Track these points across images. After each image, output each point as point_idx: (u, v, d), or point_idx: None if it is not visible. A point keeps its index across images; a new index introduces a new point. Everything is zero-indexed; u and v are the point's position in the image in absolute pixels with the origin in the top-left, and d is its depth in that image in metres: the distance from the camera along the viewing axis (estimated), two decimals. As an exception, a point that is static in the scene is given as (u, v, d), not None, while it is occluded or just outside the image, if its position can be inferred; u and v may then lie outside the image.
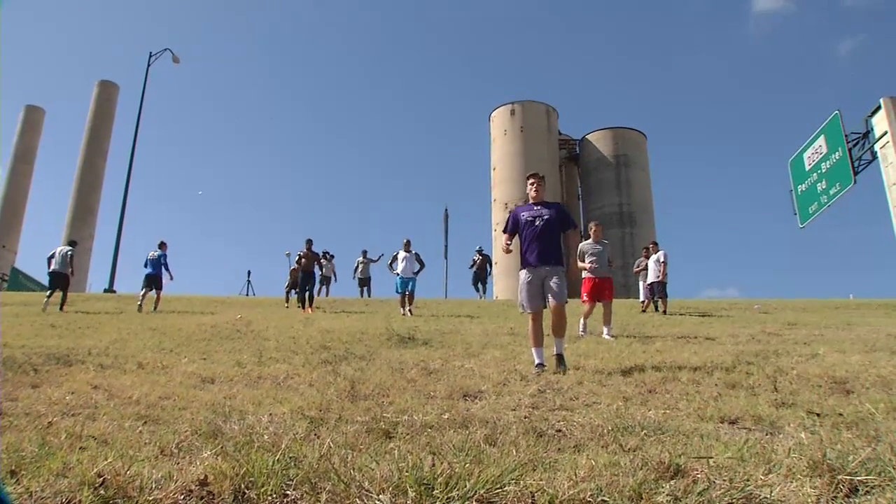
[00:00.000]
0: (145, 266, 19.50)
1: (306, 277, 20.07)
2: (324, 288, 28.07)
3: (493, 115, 62.49)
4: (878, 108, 22.66)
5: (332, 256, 29.76)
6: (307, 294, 19.80)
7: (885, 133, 22.05)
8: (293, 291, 22.84)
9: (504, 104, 61.88)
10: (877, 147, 22.74)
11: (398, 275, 18.63)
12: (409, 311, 17.81)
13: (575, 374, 6.76)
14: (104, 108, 57.12)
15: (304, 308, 19.45)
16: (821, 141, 25.50)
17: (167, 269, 19.58)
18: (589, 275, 12.91)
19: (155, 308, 18.66)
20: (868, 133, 23.46)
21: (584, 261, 12.97)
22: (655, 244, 20.36)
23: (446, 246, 47.52)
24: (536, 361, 7.31)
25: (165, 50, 37.59)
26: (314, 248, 20.88)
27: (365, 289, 28.06)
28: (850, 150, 23.84)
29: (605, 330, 12.06)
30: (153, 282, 19.21)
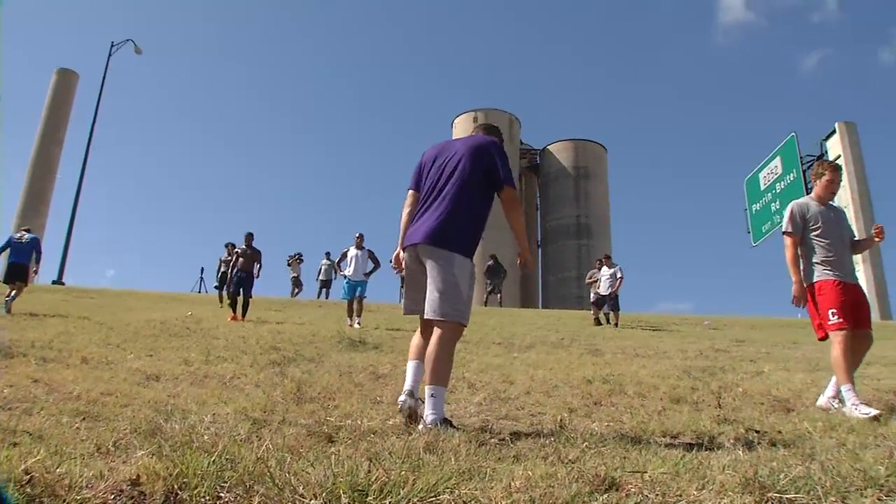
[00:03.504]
0: (8, 251, 15.20)
1: (242, 279, 16.15)
2: (324, 291, 28.01)
3: (455, 121, 62.62)
4: (833, 131, 23.16)
5: (302, 260, 29.66)
6: (241, 298, 15.93)
7: (839, 157, 22.54)
8: (226, 289, 18.90)
9: (467, 111, 62.07)
10: (830, 171, 23.20)
11: (345, 276, 16.14)
12: (357, 322, 15.19)
13: (523, 384, 6.78)
14: (62, 96, 56.18)
15: (234, 313, 15.79)
16: (777, 162, 25.94)
17: (38, 259, 15.17)
18: None
19: (7, 309, 13.39)
20: (822, 156, 23.97)
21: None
22: (608, 258, 20.52)
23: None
24: (406, 384, 4.47)
25: (128, 40, 37.15)
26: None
27: (324, 290, 28.01)
28: (804, 171, 24.29)
29: None
30: (18, 274, 14.76)
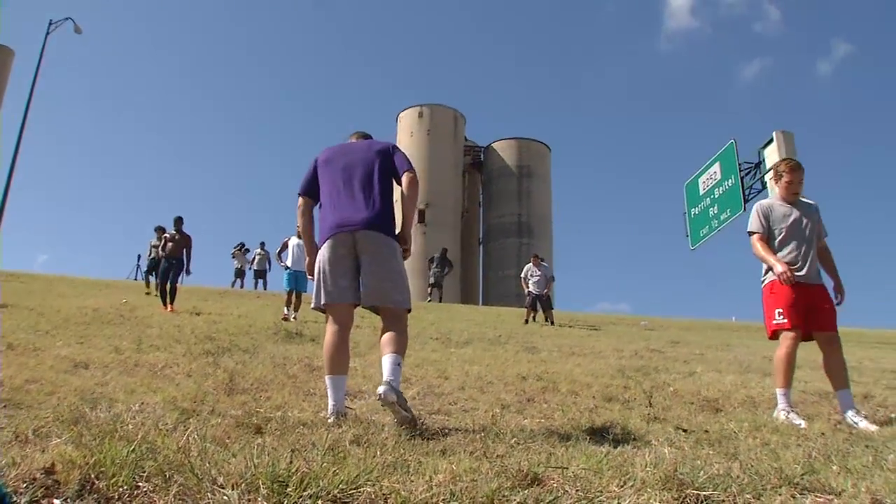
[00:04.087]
0: None
1: (171, 265, 15.40)
2: (260, 282, 27.76)
3: (400, 115, 62.59)
4: (771, 140, 23.56)
5: (248, 249, 29.30)
6: (169, 287, 15.17)
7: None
8: (153, 275, 18.82)
9: (413, 106, 62.06)
10: (767, 178, 23.64)
11: (287, 267, 15.27)
12: (294, 315, 14.54)
13: (458, 379, 6.80)
14: (-3, 74, 54.66)
15: (164, 304, 14.99)
16: (716, 167, 26.35)
17: None
18: None
19: None
20: (760, 164, 24.34)
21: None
22: (537, 257, 20.65)
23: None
24: (331, 403, 4.38)
25: (67, 19, 36.24)
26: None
27: (260, 281, 27.80)
28: (742, 178, 24.71)
29: None
30: None
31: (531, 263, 19.95)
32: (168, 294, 15.05)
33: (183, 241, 15.67)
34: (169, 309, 14.50)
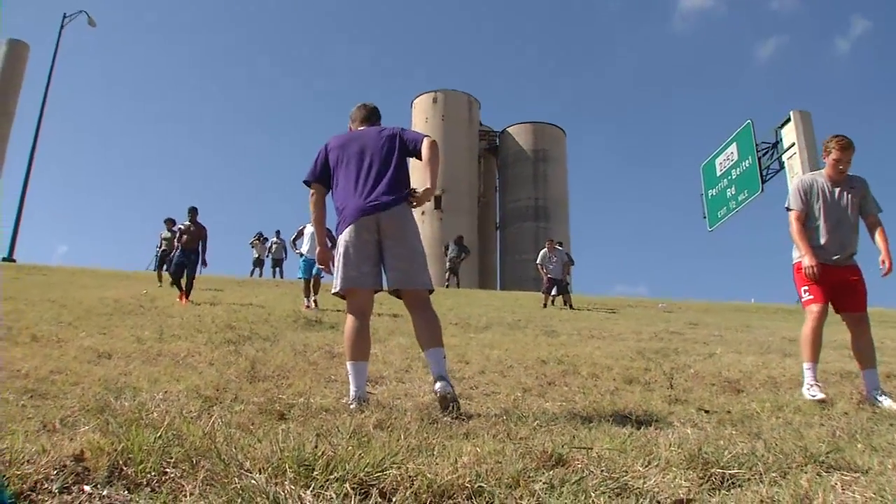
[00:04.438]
0: None
1: (186, 257, 14.91)
2: (277, 270, 27.90)
3: (415, 101, 62.43)
4: (788, 119, 23.42)
5: (266, 238, 29.41)
6: (184, 279, 14.69)
7: (793, 145, 22.82)
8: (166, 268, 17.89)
9: (427, 92, 61.88)
10: (784, 157, 23.52)
11: (302, 255, 14.80)
12: (315, 301, 14.19)
13: (478, 363, 6.81)
14: (12, 67, 54.85)
15: (182, 296, 14.45)
16: (733, 148, 26.23)
17: None
18: None
19: None
20: (777, 143, 24.23)
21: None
22: (552, 241, 20.55)
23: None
24: (353, 389, 4.39)
25: (81, 12, 36.36)
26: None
27: (278, 269, 27.92)
28: (759, 158, 24.58)
29: None
30: None
31: (546, 249, 19.85)
32: (186, 286, 14.57)
33: (198, 233, 15.27)
34: (184, 301, 13.99)
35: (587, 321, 13.96)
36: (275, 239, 27.80)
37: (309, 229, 14.85)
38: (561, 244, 21.21)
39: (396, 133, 4.77)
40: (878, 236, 5.65)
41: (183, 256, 14.97)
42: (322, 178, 4.78)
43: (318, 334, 8.96)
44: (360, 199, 4.53)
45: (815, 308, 5.48)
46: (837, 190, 5.64)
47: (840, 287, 5.53)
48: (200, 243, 15.27)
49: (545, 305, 18.73)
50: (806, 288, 5.55)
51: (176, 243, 15.69)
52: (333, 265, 4.67)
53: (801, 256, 5.58)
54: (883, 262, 5.50)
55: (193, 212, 15.43)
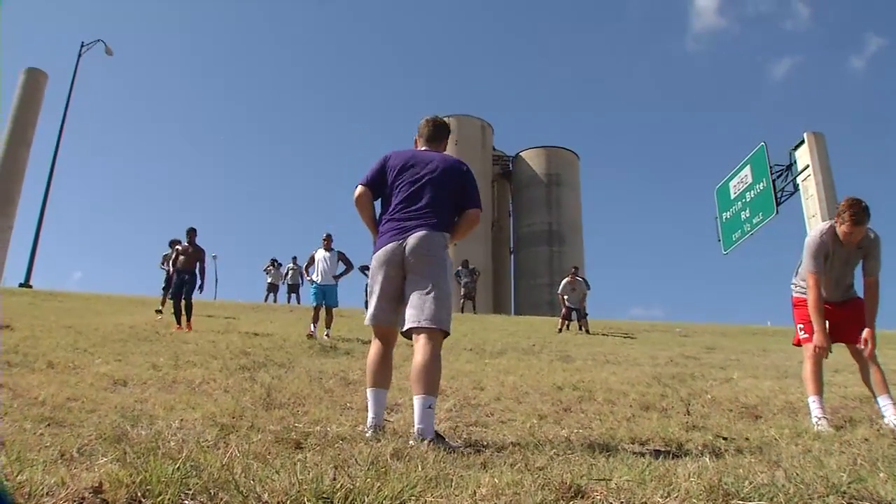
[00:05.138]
0: None
1: (184, 280, 14.46)
2: (293, 296, 27.93)
3: (423, 127, 62.56)
4: (802, 142, 23.37)
5: (280, 264, 29.52)
6: (183, 303, 14.21)
7: (807, 167, 22.76)
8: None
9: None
10: (798, 179, 23.44)
11: (313, 282, 14.59)
12: (327, 333, 13.75)
13: (494, 390, 6.79)
14: (30, 96, 55.30)
15: (178, 322, 13.98)
16: (746, 171, 26.17)
17: None
18: None
19: None
20: (791, 165, 24.16)
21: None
22: (576, 272, 20.53)
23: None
24: (370, 416, 4.38)
25: (98, 41, 36.79)
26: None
27: (294, 295, 27.96)
28: (773, 181, 24.50)
29: None
30: None
31: (569, 279, 19.82)
32: (184, 311, 14.09)
33: (196, 255, 14.76)
34: (186, 328, 13.62)
35: (603, 346, 13.91)
36: (291, 265, 27.85)
37: (320, 254, 14.72)
38: (577, 268, 21.25)
39: (460, 171, 4.71)
40: (868, 300, 5.55)
41: (180, 279, 14.52)
42: (373, 185, 4.71)
43: (333, 361, 8.97)
44: (396, 224, 4.51)
45: (810, 346, 5.49)
46: (846, 251, 5.54)
47: (838, 321, 5.53)
48: (199, 265, 14.78)
49: (560, 330, 18.68)
50: (801, 326, 5.58)
51: (172, 265, 15.34)
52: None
53: (798, 283, 5.65)
54: (865, 341, 5.40)
55: (192, 233, 14.95)
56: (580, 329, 19.02)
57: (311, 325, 13.92)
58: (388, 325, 4.49)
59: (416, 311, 4.31)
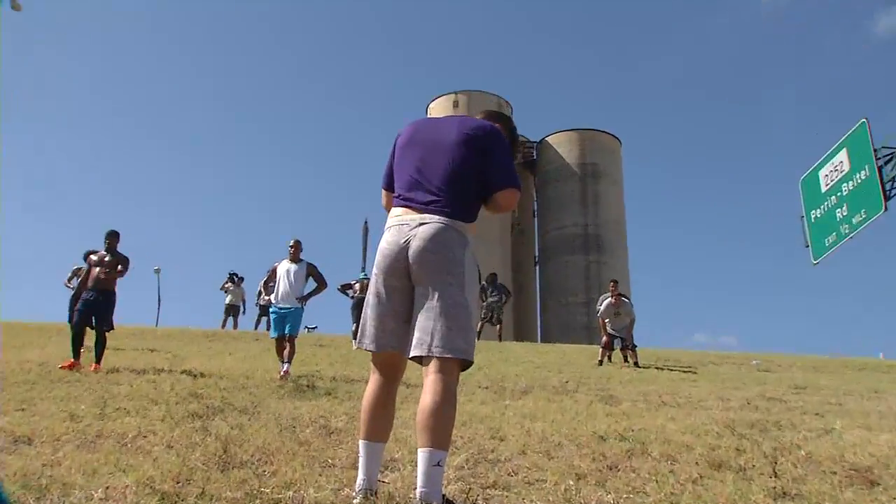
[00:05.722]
0: None
1: (95, 302, 13.32)
2: (230, 319, 28.05)
3: (430, 106, 63.01)
4: (916, 116, 23.26)
5: (242, 279, 29.62)
6: (96, 334, 13.18)
7: (925, 151, 22.62)
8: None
9: (445, 94, 62.34)
10: (916, 166, 23.32)
11: (270, 303, 14.08)
12: (286, 370, 12.69)
13: (517, 440, 6.73)
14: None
15: (75, 356, 12.94)
16: (842, 156, 26.02)
17: None
18: None
19: None
20: (906, 147, 23.99)
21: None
22: (615, 284, 20.23)
23: (364, 265, 46.99)
24: (360, 477, 4.27)
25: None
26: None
27: (265, 318, 28.09)
28: (880, 168, 24.33)
29: None
30: None
31: (610, 297, 19.56)
32: (95, 345, 13.11)
33: (117, 264, 13.50)
34: (92, 368, 12.45)
35: (656, 383, 13.87)
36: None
37: (283, 267, 14.10)
38: (617, 282, 20.81)
39: (484, 140, 4.39)
40: None
41: (91, 299, 13.36)
42: (390, 182, 4.60)
43: (310, 404, 8.92)
44: (395, 220, 4.34)
45: None
46: None
47: None
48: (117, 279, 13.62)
49: (601, 363, 18.62)
50: None
51: (82, 280, 14.02)
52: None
53: None
54: None
55: (113, 237, 13.63)
56: (626, 361, 18.95)
57: (280, 364, 13.19)
58: (391, 351, 4.28)
59: (423, 334, 4.09)
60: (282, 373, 12.58)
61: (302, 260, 14.11)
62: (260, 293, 27.46)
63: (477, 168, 4.32)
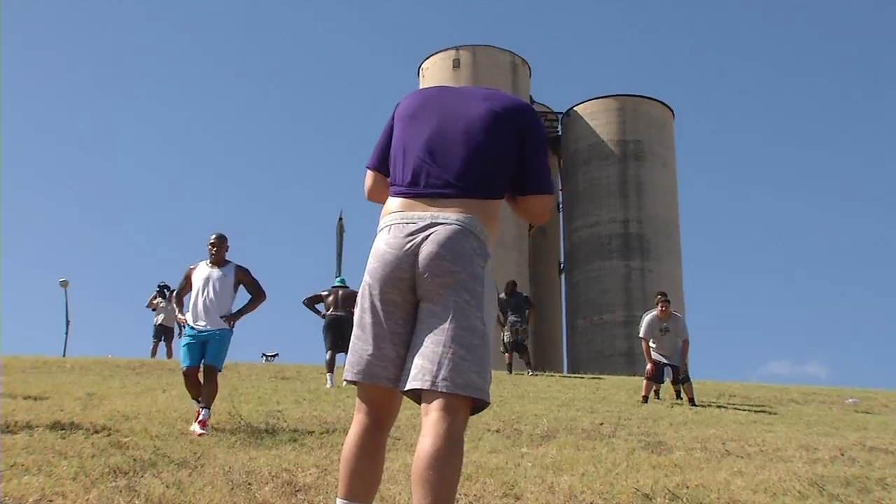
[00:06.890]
0: None
1: None
2: (162, 344, 28.08)
3: (423, 66, 62.93)
4: None
5: (174, 292, 29.33)
6: None
7: None
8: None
9: (444, 49, 62.17)
10: None
11: (186, 324, 12.46)
12: (202, 418, 11.12)
13: (537, 498, 6.75)
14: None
15: None
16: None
17: None
18: None
19: None
20: None
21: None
22: (663, 295, 19.71)
23: (340, 270, 46.57)
24: None
25: None
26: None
27: (164, 343, 28.23)
28: None
29: None
30: None
31: (657, 312, 19.17)
32: None
33: None
34: None
35: (718, 426, 13.87)
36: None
37: (202, 272, 12.65)
38: (665, 296, 20.18)
39: (522, 122, 4.31)
40: None
41: None
42: (381, 161, 4.55)
43: (270, 454, 8.93)
44: (399, 215, 4.22)
45: None
46: None
47: None
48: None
49: (646, 399, 18.49)
50: None
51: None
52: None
53: None
54: None
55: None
56: (678, 397, 18.90)
57: (198, 407, 11.66)
58: (382, 384, 4.14)
59: (428, 362, 3.92)
60: (197, 420, 11.25)
61: (228, 262, 12.73)
62: (167, 309, 27.50)
63: (508, 157, 4.26)
